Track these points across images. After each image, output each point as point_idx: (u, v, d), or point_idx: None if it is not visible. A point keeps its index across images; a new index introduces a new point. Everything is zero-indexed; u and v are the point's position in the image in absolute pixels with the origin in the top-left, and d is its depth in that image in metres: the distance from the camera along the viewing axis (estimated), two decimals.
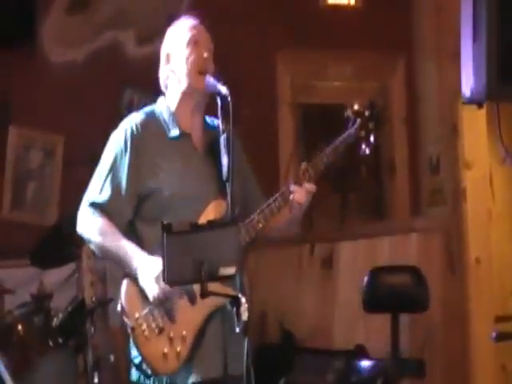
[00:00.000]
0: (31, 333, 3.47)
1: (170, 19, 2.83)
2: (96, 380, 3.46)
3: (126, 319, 2.55)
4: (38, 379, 3.39)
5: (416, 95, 5.01)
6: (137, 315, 2.56)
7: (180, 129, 2.70)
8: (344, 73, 5.29)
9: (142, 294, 2.57)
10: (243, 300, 2.36)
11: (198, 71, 2.66)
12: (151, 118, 2.74)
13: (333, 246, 4.62)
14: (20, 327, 3.45)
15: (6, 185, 4.66)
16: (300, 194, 2.66)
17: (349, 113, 2.81)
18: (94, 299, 3.45)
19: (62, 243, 3.55)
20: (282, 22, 5.08)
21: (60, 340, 3.47)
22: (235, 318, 2.37)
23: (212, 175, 2.64)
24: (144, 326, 2.55)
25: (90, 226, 2.68)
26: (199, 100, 2.70)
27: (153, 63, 5.15)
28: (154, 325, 2.55)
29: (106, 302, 3.63)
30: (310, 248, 4.70)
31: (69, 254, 3.58)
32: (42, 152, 4.78)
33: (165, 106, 2.75)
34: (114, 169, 2.68)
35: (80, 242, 3.51)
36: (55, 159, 4.81)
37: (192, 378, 2.56)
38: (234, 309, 2.38)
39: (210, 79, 2.64)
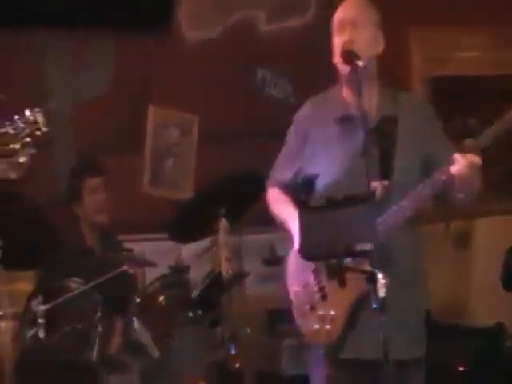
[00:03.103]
0: (171, 304, 3.58)
1: None
2: (233, 351, 3.53)
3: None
4: (177, 349, 3.50)
5: None
6: (295, 289, 2.67)
7: (346, 111, 2.69)
8: (481, 43, 5.11)
9: (302, 268, 2.67)
10: (380, 276, 2.35)
11: (342, 60, 2.65)
12: (325, 100, 2.79)
13: (469, 223, 4.51)
14: (161, 298, 3.57)
15: (146, 161, 4.81)
16: (460, 165, 2.56)
17: None
18: (230, 272, 3.51)
19: (199, 218, 3.64)
20: None
21: (198, 312, 3.56)
22: (372, 295, 2.38)
23: (375, 158, 2.60)
24: (300, 300, 2.66)
25: (268, 196, 2.85)
26: (362, 80, 2.63)
27: (285, 41, 5.19)
28: (308, 300, 2.65)
29: (242, 275, 3.70)
30: (445, 225, 4.61)
31: (206, 228, 3.66)
32: (178, 130, 4.91)
33: (338, 87, 2.77)
34: (286, 150, 2.83)
35: (215, 217, 3.61)
36: (191, 136, 4.92)
37: (346, 355, 2.63)
38: (371, 285, 2.39)
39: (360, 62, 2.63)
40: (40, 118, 2.11)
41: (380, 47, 2.74)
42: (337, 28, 2.70)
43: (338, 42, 2.69)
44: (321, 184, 2.72)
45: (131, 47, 4.67)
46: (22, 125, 2.09)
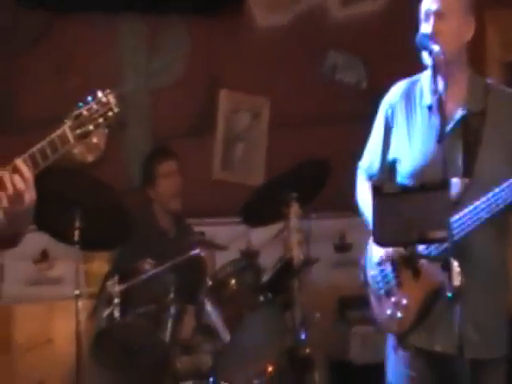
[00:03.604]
0: (243, 288, 3.60)
1: None
2: (303, 337, 3.54)
3: (362, 275, 2.74)
4: (248, 333, 3.51)
5: None
6: (372, 273, 2.70)
7: (432, 99, 2.63)
8: None
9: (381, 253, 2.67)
10: (455, 264, 2.32)
11: (420, 47, 2.59)
12: (413, 86, 2.75)
13: None
14: (233, 282, 3.58)
15: (217, 146, 4.85)
16: None
17: None
18: (301, 258, 3.52)
19: (270, 202, 3.64)
20: None
21: (269, 296, 3.58)
22: (446, 283, 2.36)
23: (457, 151, 2.58)
24: (376, 285, 2.68)
25: (356, 185, 2.89)
26: (446, 68, 2.57)
27: (356, 25, 5.13)
28: (384, 285, 2.66)
29: (312, 261, 3.70)
30: None
31: (277, 212, 3.66)
32: (249, 114, 4.92)
33: (426, 74, 2.72)
34: (372, 136, 2.83)
35: (286, 202, 3.61)
36: (261, 121, 4.93)
37: (419, 344, 2.63)
38: (446, 273, 2.36)
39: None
40: (112, 99, 2.14)
41: (469, 34, 2.65)
42: (423, 17, 2.65)
43: (422, 31, 2.63)
44: (401, 170, 2.70)
45: (205, 33, 4.70)
46: (94, 106, 2.11)
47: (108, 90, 2.15)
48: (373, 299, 2.71)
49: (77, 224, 3.36)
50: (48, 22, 4.42)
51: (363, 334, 4.42)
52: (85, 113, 2.09)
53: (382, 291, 2.66)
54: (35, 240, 4.09)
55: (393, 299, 2.62)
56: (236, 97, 4.85)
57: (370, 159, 2.85)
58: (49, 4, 4.35)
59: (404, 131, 2.71)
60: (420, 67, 2.71)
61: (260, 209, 3.71)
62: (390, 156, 2.75)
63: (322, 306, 4.14)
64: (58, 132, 2.07)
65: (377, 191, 2.43)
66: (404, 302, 2.60)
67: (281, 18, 4.91)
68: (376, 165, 2.81)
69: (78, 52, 4.50)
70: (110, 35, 4.58)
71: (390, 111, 2.76)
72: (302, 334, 3.55)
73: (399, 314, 2.60)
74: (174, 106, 4.66)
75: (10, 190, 2.02)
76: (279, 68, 4.81)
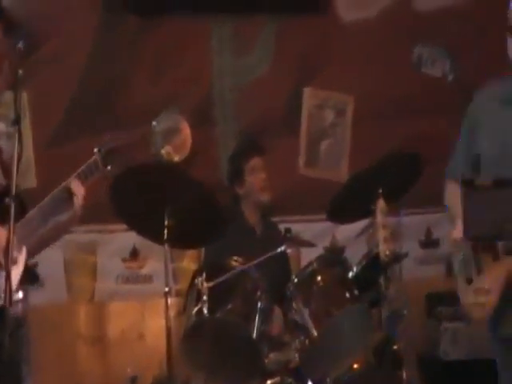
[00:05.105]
0: (329, 284, 3.59)
1: None
2: (391, 333, 3.50)
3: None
4: (335, 329, 3.51)
5: None
6: (455, 263, 2.70)
7: None
8: None
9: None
10: None
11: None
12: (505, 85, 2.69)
13: None
14: (319, 278, 3.58)
15: (302, 143, 4.85)
16: None
17: None
18: (388, 254, 3.48)
19: (355, 199, 3.62)
20: None
21: (355, 292, 3.56)
22: None
23: None
24: (459, 273, 2.67)
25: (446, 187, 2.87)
26: None
27: (444, 18, 5.03)
28: (465, 273, 2.63)
29: (399, 257, 3.65)
30: None
31: (363, 209, 3.64)
32: (333, 111, 4.90)
33: None
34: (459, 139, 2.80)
35: (372, 198, 3.58)
36: (346, 118, 4.91)
37: (502, 331, 2.61)
38: None
39: None
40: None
41: None
42: None
43: None
44: (484, 165, 2.66)
45: (290, 31, 4.71)
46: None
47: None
48: (458, 289, 2.68)
49: (166, 222, 3.40)
50: (142, 25, 4.52)
51: (453, 329, 4.35)
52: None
53: (464, 279, 2.63)
54: (126, 239, 4.20)
55: (477, 285, 2.58)
56: (320, 93, 4.84)
57: (454, 159, 2.83)
58: (142, 8, 4.47)
59: (487, 128, 2.65)
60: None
61: (346, 205, 3.69)
62: (474, 151, 2.70)
63: (410, 302, 4.10)
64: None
65: (467, 185, 2.39)
66: (485, 286, 2.56)
67: (365, 12, 4.87)
68: (459, 162, 2.78)
69: (171, 53, 4.58)
70: (200, 36, 4.64)
71: (472, 111, 2.73)
72: (389, 331, 3.52)
73: (481, 299, 2.56)
74: (260, 104, 4.69)
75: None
76: (364, 63, 4.77)
